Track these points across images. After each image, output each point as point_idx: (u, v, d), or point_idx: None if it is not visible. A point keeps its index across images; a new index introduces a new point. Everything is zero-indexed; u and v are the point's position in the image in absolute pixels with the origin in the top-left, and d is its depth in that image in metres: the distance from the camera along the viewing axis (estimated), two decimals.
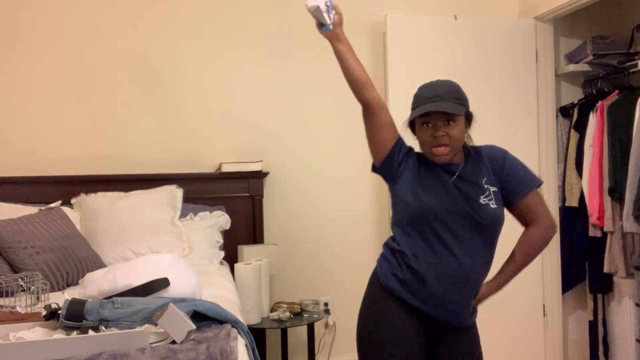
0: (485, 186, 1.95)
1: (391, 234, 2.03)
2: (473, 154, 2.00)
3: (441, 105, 1.87)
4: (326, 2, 1.91)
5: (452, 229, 1.90)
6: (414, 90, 1.94)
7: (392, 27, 3.54)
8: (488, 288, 2.01)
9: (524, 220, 2.01)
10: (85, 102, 3.50)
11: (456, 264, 1.90)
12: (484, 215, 1.91)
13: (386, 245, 2.04)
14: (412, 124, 2.01)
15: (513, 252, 2.02)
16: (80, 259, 2.77)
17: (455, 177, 1.94)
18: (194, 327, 1.71)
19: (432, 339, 1.99)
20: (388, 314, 1.95)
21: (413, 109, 1.95)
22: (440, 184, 1.94)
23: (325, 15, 1.92)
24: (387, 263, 1.99)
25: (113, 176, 3.42)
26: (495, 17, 3.80)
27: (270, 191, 3.64)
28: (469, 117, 1.99)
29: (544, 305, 3.74)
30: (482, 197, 1.93)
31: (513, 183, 1.97)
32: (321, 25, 1.96)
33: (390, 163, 2.00)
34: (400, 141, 2.02)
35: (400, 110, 3.51)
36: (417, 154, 2.03)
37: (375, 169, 2.06)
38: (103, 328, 1.74)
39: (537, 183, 2.00)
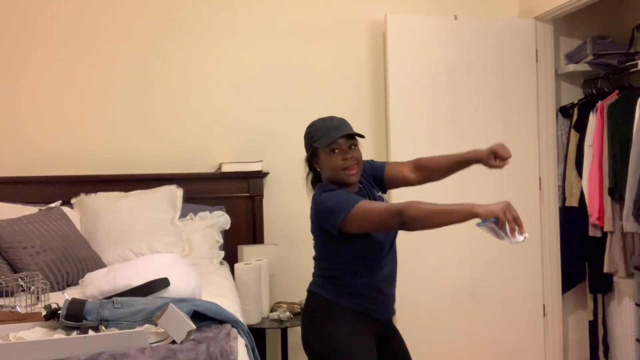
0: (378, 194, 2.23)
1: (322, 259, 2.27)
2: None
3: (350, 130, 2.10)
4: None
5: (384, 245, 2.13)
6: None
7: (392, 27, 3.54)
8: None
9: (402, 175, 2.25)
10: (86, 102, 3.50)
11: (390, 269, 2.18)
12: None
13: (326, 273, 2.23)
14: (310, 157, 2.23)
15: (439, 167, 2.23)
16: (80, 259, 2.77)
17: (368, 198, 2.17)
18: (194, 327, 1.71)
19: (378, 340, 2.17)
20: (351, 329, 2.08)
21: (315, 141, 2.13)
22: None
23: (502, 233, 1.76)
24: (335, 286, 2.14)
25: (113, 176, 3.42)
26: (495, 17, 3.80)
27: (270, 191, 3.64)
28: None
29: (544, 305, 3.74)
30: None
31: (379, 171, 2.26)
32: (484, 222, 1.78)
33: None
34: None
35: (399, 111, 3.55)
36: (330, 189, 2.13)
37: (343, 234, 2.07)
38: (103, 328, 1.74)
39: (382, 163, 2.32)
